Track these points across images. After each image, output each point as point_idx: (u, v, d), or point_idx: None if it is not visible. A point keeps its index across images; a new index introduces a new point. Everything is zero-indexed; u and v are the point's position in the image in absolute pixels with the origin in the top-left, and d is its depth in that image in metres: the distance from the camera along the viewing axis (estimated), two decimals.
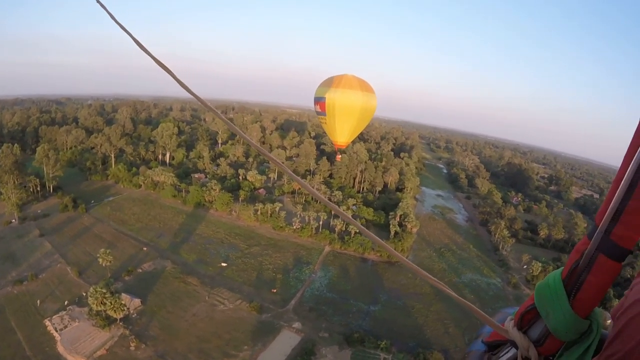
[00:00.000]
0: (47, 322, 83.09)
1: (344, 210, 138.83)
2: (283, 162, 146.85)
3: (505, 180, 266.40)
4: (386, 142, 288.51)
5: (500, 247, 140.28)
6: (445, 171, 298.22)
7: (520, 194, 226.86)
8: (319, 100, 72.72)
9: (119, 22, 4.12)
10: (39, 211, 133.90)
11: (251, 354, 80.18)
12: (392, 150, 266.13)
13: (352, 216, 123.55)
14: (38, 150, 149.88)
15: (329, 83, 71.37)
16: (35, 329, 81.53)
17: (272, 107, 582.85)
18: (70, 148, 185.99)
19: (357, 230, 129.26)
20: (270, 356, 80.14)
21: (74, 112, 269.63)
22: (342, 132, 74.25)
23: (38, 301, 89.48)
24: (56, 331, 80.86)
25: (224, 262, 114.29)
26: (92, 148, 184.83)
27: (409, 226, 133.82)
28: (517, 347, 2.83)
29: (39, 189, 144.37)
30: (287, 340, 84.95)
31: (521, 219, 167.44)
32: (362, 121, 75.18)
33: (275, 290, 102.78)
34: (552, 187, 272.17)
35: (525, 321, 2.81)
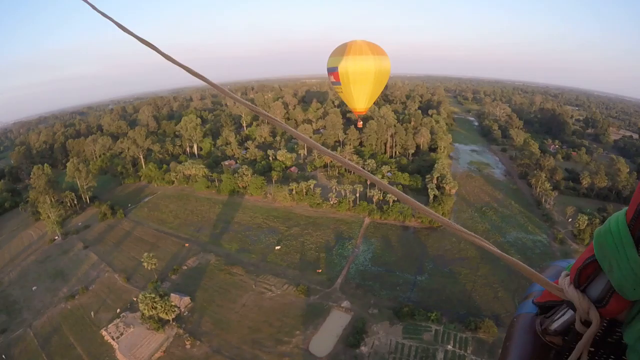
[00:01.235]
0: (103, 332, 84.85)
1: (379, 178, 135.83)
2: (311, 137, 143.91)
3: (540, 128, 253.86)
4: (412, 100, 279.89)
5: (543, 200, 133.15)
6: (476, 124, 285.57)
7: (557, 141, 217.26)
8: (332, 71, 70.00)
9: (121, 24, 4.03)
10: (79, 224, 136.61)
11: (303, 338, 79.57)
12: (419, 108, 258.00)
13: (388, 183, 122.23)
14: (68, 166, 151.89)
15: (339, 52, 68.32)
16: (93, 341, 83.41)
17: (291, 80, 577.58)
18: (100, 156, 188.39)
19: (395, 198, 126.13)
20: (322, 338, 79.35)
21: (97, 120, 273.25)
22: (359, 99, 71.59)
23: (92, 313, 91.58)
24: (113, 339, 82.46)
25: (273, 247, 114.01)
26: (120, 153, 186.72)
27: (447, 188, 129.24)
28: (574, 309, 2.49)
29: (75, 202, 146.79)
30: (338, 320, 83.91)
31: (561, 168, 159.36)
32: (378, 85, 72.10)
33: (320, 271, 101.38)
34: (589, 130, 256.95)
35: (584, 277, 2.47)
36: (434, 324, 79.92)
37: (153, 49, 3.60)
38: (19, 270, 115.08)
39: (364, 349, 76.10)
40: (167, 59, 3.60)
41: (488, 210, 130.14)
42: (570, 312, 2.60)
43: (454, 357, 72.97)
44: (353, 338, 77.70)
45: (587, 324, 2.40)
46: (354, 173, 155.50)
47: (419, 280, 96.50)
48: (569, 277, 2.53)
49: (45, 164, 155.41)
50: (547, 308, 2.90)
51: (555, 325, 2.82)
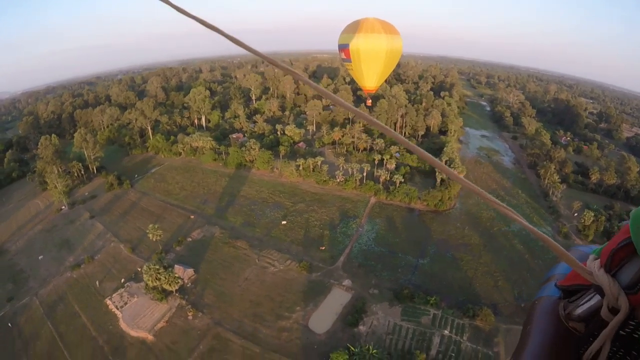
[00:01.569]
0: (107, 302, 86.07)
1: (387, 160, 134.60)
2: (320, 113, 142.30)
3: (553, 118, 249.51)
4: (424, 81, 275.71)
5: (550, 192, 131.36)
6: (488, 109, 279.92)
7: (569, 133, 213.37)
8: (343, 47, 68.72)
9: None
10: (86, 194, 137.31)
11: (303, 314, 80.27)
12: (432, 89, 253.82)
13: (395, 164, 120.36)
14: (75, 136, 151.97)
15: (351, 29, 66.99)
16: (98, 310, 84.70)
17: (302, 55, 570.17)
18: (107, 127, 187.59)
19: (402, 180, 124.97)
20: (322, 315, 79.95)
21: (106, 91, 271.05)
22: (369, 77, 70.63)
23: (97, 282, 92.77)
24: (117, 309, 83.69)
25: (277, 223, 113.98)
26: (128, 124, 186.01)
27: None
28: (602, 295, 2.36)
29: (82, 172, 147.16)
30: (338, 298, 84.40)
31: (571, 161, 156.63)
32: (389, 64, 70.87)
33: (323, 248, 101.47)
34: (602, 125, 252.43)
35: (616, 261, 2.31)
36: (432, 308, 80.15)
37: (216, 31, 3.32)
38: (26, 240, 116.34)
39: (362, 328, 76.64)
40: (210, 28, 3.33)
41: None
42: (596, 298, 2.48)
43: (450, 342, 73.35)
44: (352, 317, 78.20)
45: (614, 311, 2.26)
46: (361, 151, 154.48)
47: (420, 264, 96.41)
48: (598, 260, 2.41)
49: (53, 135, 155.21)
50: (572, 292, 2.73)
51: (579, 311, 2.63)
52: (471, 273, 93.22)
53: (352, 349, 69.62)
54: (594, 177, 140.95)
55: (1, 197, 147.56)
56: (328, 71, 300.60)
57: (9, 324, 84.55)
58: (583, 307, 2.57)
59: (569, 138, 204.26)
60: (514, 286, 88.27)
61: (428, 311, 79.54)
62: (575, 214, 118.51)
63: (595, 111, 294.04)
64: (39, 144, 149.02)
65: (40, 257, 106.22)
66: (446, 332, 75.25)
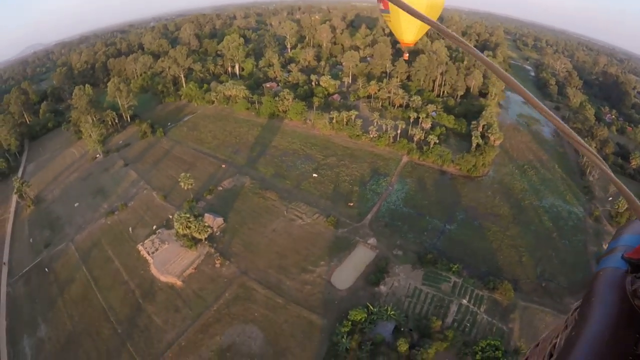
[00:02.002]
0: (139, 247, 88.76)
1: (422, 119, 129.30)
2: (356, 65, 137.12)
3: (599, 92, 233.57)
4: (468, 38, 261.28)
5: (587, 172, 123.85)
6: (532, 74, 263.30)
7: (614, 111, 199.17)
8: None
9: None
10: (120, 142, 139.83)
11: (327, 269, 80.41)
12: (475, 47, 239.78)
13: (431, 123, 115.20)
14: (109, 85, 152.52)
15: None
16: (130, 255, 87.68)
17: (341, 3, 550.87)
18: (140, 75, 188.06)
19: (437, 141, 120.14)
20: (344, 272, 79.98)
21: (138, 39, 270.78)
22: (408, 30, 67.55)
23: (130, 228, 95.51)
24: (149, 254, 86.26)
25: (308, 175, 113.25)
26: (161, 72, 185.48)
27: (491, 138, 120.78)
28: None
29: (117, 121, 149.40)
30: (362, 256, 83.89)
31: (613, 142, 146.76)
32: (429, 17, 66.19)
33: (352, 204, 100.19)
34: None
35: None
36: (454, 275, 78.69)
37: None
38: (62, 188, 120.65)
39: (382, 288, 76.33)
40: None
41: (529, 169, 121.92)
42: None
43: (467, 312, 72.25)
44: (374, 276, 77.91)
45: None
46: (397, 107, 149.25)
47: (447, 229, 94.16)
48: None
49: (87, 84, 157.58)
50: None
51: None
52: (496, 244, 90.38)
53: (372, 308, 69.99)
54: (635, 163, 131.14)
55: (38, 147, 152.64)
56: (367, 21, 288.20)
57: (46, 269, 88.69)
58: None
59: (613, 116, 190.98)
60: (538, 263, 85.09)
61: (449, 278, 78.18)
62: (610, 198, 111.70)
63: None
64: (73, 94, 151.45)
65: (76, 205, 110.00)
66: (464, 301, 74.11)
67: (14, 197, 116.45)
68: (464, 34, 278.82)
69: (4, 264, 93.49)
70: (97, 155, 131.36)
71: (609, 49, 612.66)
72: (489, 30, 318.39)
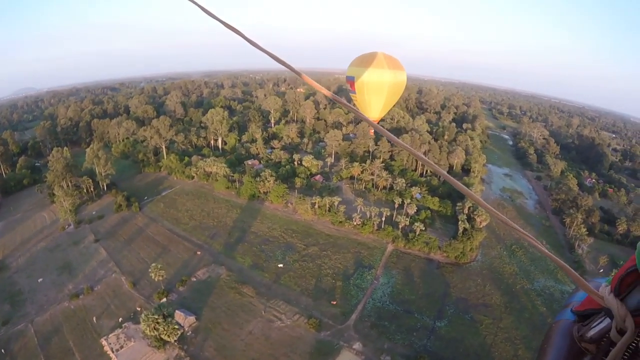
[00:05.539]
0: (103, 342, 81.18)
1: (407, 204, 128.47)
2: (340, 144, 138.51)
3: (577, 156, 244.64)
4: (447, 111, 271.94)
5: (576, 245, 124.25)
6: (510, 143, 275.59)
7: (594, 174, 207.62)
8: (350, 79, 70.00)
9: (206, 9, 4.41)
10: (93, 212, 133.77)
11: None
12: (454, 120, 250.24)
13: (416, 207, 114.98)
14: (88, 152, 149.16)
15: (359, 62, 68.21)
16: (93, 350, 79.74)
17: (324, 75, 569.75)
18: (123, 140, 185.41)
19: (423, 228, 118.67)
20: None
21: (126, 101, 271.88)
22: (372, 109, 71.43)
23: (94, 318, 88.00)
24: (113, 352, 78.74)
25: (280, 264, 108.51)
26: (144, 140, 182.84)
27: (478, 220, 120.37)
28: (612, 317, 2.61)
29: (92, 188, 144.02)
30: None
31: (597, 210, 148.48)
32: (391, 97, 72.33)
33: (335, 302, 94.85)
34: (627, 163, 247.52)
35: (624, 286, 2.57)
36: None
37: (236, 33, 4.07)
38: (28, 257, 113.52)
39: None
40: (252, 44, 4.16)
41: (518, 248, 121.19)
42: (607, 321, 2.71)
43: None
44: None
45: (622, 332, 2.48)
46: (381, 189, 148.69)
47: (437, 327, 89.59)
48: (609, 286, 2.65)
49: (65, 147, 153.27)
50: (585, 317, 3.02)
51: (591, 333, 2.90)
52: (490, 339, 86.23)
53: None
54: (621, 228, 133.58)
55: (9, 205, 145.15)
56: (349, 94, 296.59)
57: (2, 350, 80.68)
58: (595, 329, 2.83)
59: (594, 180, 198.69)
60: (535, 356, 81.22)
61: None
62: (601, 270, 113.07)
63: (618, 147, 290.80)
64: (51, 154, 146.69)
65: (39, 280, 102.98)
66: None
67: None
68: (442, 107, 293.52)
69: None
70: (68, 225, 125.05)
71: (579, 108, 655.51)
72: (466, 102, 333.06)
